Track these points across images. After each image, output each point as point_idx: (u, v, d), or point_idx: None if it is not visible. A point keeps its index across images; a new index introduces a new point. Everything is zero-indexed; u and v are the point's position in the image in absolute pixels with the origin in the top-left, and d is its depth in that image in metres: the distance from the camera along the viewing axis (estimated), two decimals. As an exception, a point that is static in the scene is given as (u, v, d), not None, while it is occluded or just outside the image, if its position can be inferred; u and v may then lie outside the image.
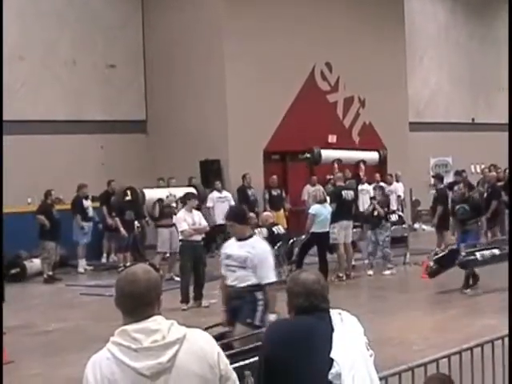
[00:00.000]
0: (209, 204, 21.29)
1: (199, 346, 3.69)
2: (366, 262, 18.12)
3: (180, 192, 17.32)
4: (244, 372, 5.60)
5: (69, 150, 21.66)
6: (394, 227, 18.33)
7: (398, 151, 25.74)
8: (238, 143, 22.23)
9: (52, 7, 21.96)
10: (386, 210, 18.49)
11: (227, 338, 7.66)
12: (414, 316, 13.22)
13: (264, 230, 16.52)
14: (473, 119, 31.25)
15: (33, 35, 21.50)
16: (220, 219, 21.41)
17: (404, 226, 19.65)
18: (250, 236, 8.47)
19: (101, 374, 3.59)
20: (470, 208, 15.67)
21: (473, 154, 29.13)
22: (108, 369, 3.58)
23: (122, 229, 18.88)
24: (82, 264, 19.76)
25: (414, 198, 26.97)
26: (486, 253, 14.90)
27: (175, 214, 16.07)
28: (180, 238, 14.68)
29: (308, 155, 21.91)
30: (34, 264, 18.86)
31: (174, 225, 16.20)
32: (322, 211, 16.45)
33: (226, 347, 6.55)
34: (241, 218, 8.55)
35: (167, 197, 18.27)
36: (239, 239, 8.39)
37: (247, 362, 5.89)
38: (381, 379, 4.66)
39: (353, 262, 17.85)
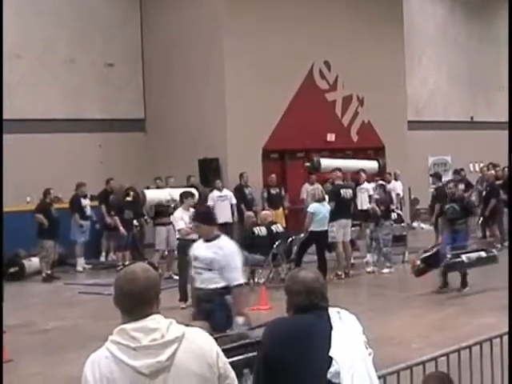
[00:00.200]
0: (209, 203, 21.29)
1: (198, 344, 3.69)
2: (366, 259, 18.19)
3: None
4: (243, 370, 5.59)
5: (67, 148, 21.66)
6: (393, 226, 18.34)
7: (396, 150, 25.77)
8: (236, 142, 22.23)
9: (50, 6, 21.96)
10: (382, 208, 18.49)
11: None
12: (412, 314, 13.22)
13: (263, 229, 16.55)
14: (471, 118, 31.26)
15: (31, 34, 21.50)
16: (221, 218, 21.48)
17: (403, 224, 19.66)
18: (218, 236, 8.31)
19: (99, 373, 3.58)
20: (460, 208, 15.51)
21: (471, 153, 29.16)
22: (107, 367, 3.58)
23: (121, 227, 18.88)
24: (81, 263, 19.77)
25: (412, 197, 26.99)
26: (472, 255, 14.81)
27: (171, 213, 16.06)
28: (177, 236, 14.67)
29: (308, 164, 21.89)
30: (33, 263, 18.87)
31: (171, 223, 16.20)
32: (321, 210, 16.46)
33: None
34: (207, 218, 8.45)
35: (168, 201, 18.20)
36: (207, 240, 8.27)
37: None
38: (379, 378, 4.66)
39: (351, 261, 17.86)
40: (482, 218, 21.22)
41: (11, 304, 13.62)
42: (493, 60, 31.47)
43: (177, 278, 15.37)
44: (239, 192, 21.72)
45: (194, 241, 14.37)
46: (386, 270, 17.42)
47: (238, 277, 8.08)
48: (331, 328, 4.24)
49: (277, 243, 16.40)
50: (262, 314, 13.03)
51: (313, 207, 16.55)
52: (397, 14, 26.89)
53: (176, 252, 15.72)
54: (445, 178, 23.73)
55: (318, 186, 19.62)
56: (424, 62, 29.95)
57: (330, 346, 4.16)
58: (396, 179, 24.00)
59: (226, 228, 21.78)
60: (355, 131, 25.60)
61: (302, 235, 16.79)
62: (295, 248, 16.93)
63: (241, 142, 22.15)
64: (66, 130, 21.85)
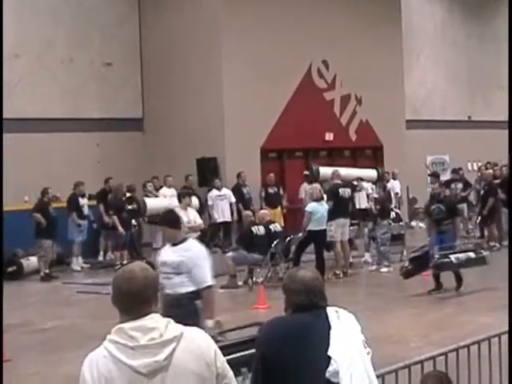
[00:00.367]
0: (208, 202, 21.32)
1: (196, 344, 3.69)
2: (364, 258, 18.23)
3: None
4: (241, 369, 5.58)
5: (65, 147, 21.64)
6: (391, 225, 18.34)
7: (394, 149, 25.78)
8: (234, 141, 22.23)
9: (48, 5, 21.94)
10: (378, 207, 18.52)
11: None
12: (411, 314, 13.23)
13: (261, 228, 16.55)
14: (469, 117, 31.27)
15: (30, 34, 21.48)
16: (220, 217, 21.51)
17: (401, 223, 19.66)
18: (184, 240, 8.19)
19: (98, 372, 3.58)
20: (446, 208, 15.23)
21: (470, 152, 29.16)
22: (105, 367, 3.58)
23: (119, 227, 18.88)
24: (78, 262, 19.76)
25: (410, 196, 26.99)
26: (461, 256, 14.63)
27: None
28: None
29: (307, 172, 21.86)
30: (31, 262, 18.85)
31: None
32: (319, 209, 16.45)
33: None
34: (172, 222, 8.29)
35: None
36: (173, 244, 8.13)
37: None
38: (378, 377, 4.66)
39: (350, 260, 17.86)
40: (480, 218, 21.22)
41: (9, 303, 13.60)
42: (491, 59, 31.47)
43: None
44: (237, 191, 21.74)
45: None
46: (384, 269, 17.42)
47: (207, 278, 7.90)
48: (329, 327, 4.23)
49: (275, 242, 16.40)
50: (260, 313, 13.06)
51: (311, 206, 16.55)
52: (395, 13, 26.88)
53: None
54: (443, 178, 23.77)
55: (316, 185, 19.60)
56: (422, 62, 29.95)
57: (328, 345, 4.16)
58: (394, 178, 24.00)
59: (225, 227, 21.89)
60: (353, 130, 25.60)
61: (301, 234, 16.79)
62: (293, 247, 16.93)
63: (239, 141, 22.15)
64: (64, 130, 21.83)
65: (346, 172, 19.07)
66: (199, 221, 14.83)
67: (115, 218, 19.11)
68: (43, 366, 10.55)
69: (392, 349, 9.89)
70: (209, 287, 7.91)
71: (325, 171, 18.97)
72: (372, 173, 21.94)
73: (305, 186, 21.69)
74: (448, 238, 15.04)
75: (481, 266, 15.09)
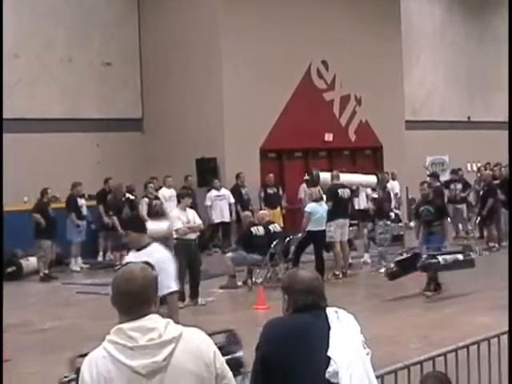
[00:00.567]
0: (207, 203, 21.32)
1: (195, 344, 3.69)
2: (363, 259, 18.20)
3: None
4: (240, 369, 5.59)
5: (65, 148, 21.62)
6: (389, 225, 18.34)
7: (394, 149, 25.79)
8: (234, 141, 22.23)
9: (48, 5, 21.92)
10: (374, 207, 18.51)
11: None
12: (410, 314, 13.23)
13: (260, 229, 16.56)
14: (468, 117, 31.27)
15: (29, 33, 21.46)
16: (218, 218, 21.51)
17: (400, 224, 19.66)
18: (149, 244, 8.05)
19: (97, 372, 3.59)
20: (434, 210, 15.09)
21: (469, 153, 29.17)
22: (104, 367, 3.58)
23: (119, 227, 18.86)
24: (77, 262, 19.74)
25: (410, 197, 26.97)
26: (449, 257, 14.44)
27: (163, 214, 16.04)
28: (175, 236, 14.68)
29: (307, 177, 21.82)
30: (30, 262, 18.84)
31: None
32: (318, 209, 16.46)
33: None
34: (136, 225, 8.20)
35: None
36: (138, 249, 7.99)
37: None
38: (377, 377, 4.66)
39: (349, 260, 17.85)
40: (479, 218, 21.23)
41: (9, 304, 13.60)
42: (490, 60, 31.47)
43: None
44: (236, 192, 21.73)
45: (191, 240, 14.54)
46: (382, 270, 17.40)
47: (171, 284, 7.69)
48: (329, 328, 4.23)
49: (274, 243, 16.40)
50: (259, 314, 13.07)
51: (310, 207, 16.56)
52: (394, 14, 26.88)
53: (173, 251, 15.70)
54: (442, 178, 23.79)
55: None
56: (421, 62, 29.95)
57: (328, 346, 4.16)
58: (394, 179, 24.01)
59: (224, 227, 21.89)
60: (353, 131, 25.60)
61: (300, 235, 16.79)
62: (293, 248, 16.93)
63: (238, 141, 22.14)
64: (63, 130, 21.81)
65: (346, 178, 18.99)
66: (198, 221, 14.82)
67: (115, 218, 19.10)
68: (43, 365, 10.55)
69: (391, 349, 9.89)
70: (172, 293, 7.73)
71: (325, 176, 18.93)
72: (372, 178, 21.81)
73: (304, 186, 21.69)
74: (436, 240, 14.93)
75: (469, 269, 14.77)
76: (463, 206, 22.67)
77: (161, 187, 20.87)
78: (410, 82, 28.35)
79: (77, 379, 4.34)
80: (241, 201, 21.63)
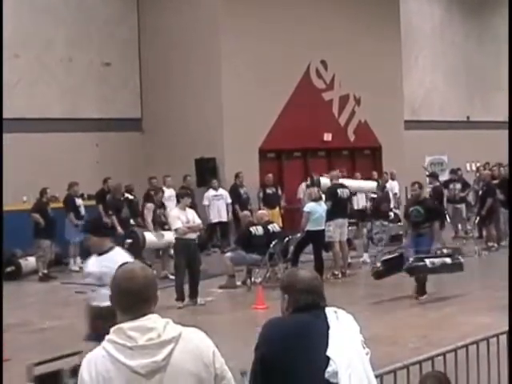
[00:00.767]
0: (204, 202, 21.31)
1: (194, 344, 3.69)
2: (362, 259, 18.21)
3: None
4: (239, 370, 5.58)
5: (64, 148, 21.61)
6: (387, 225, 18.35)
7: (393, 149, 25.79)
8: (233, 141, 22.22)
9: (47, 5, 21.92)
10: (372, 207, 18.52)
11: None
12: (409, 314, 13.23)
13: (260, 228, 16.56)
14: (468, 117, 31.28)
15: (28, 33, 21.45)
16: (215, 217, 21.51)
17: (399, 224, 19.66)
18: (111, 249, 7.75)
19: (96, 372, 3.59)
20: (425, 210, 14.59)
21: (468, 152, 29.19)
22: (103, 367, 3.58)
23: (118, 227, 18.85)
24: (77, 262, 19.71)
25: (409, 197, 26.96)
26: (437, 260, 14.12)
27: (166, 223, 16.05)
28: (175, 236, 14.69)
29: (308, 182, 21.81)
30: (29, 262, 18.84)
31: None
32: (317, 209, 16.46)
33: None
34: (97, 229, 7.95)
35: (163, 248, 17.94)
36: (99, 254, 7.74)
37: None
38: (376, 377, 4.66)
39: (348, 260, 17.86)
40: (478, 218, 21.24)
41: (8, 303, 13.59)
42: (490, 60, 31.48)
43: (172, 277, 15.40)
44: (234, 192, 21.72)
45: (191, 240, 14.54)
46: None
47: None
48: (328, 327, 4.24)
49: (273, 243, 16.41)
50: (258, 314, 13.08)
51: (309, 207, 16.55)
52: (394, 14, 26.87)
53: (172, 251, 15.73)
54: (442, 178, 23.78)
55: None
56: (421, 62, 29.95)
57: (327, 346, 4.16)
58: (393, 179, 24.01)
59: (221, 227, 21.90)
60: (352, 131, 25.59)
61: (299, 235, 16.79)
62: (292, 247, 16.93)
63: (238, 141, 22.14)
64: (62, 130, 21.80)
65: (347, 183, 18.98)
66: (198, 221, 14.82)
67: (114, 218, 19.10)
68: (42, 364, 10.53)
69: (391, 349, 9.90)
70: None
71: (325, 181, 18.94)
72: (372, 184, 21.78)
73: (303, 186, 21.69)
74: (425, 242, 14.44)
75: (458, 272, 14.53)
76: (462, 206, 22.67)
77: (160, 188, 20.84)
78: (409, 81, 28.35)
79: None
80: (239, 201, 21.62)
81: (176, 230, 14.40)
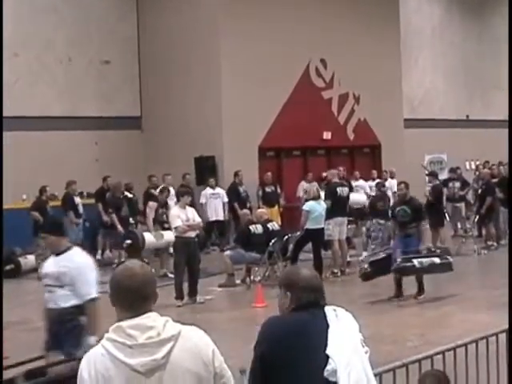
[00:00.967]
0: (202, 200, 21.30)
1: (194, 343, 3.69)
2: (361, 257, 18.20)
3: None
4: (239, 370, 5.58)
5: (63, 146, 21.63)
6: (384, 224, 18.33)
7: (392, 148, 25.79)
8: (232, 140, 22.23)
9: (47, 4, 21.93)
10: (366, 206, 18.52)
11: (49, 373, 6.92)
12: (408, 313, 13.24)
13: (259, 227, 16.56)
14: (467, 116, 31.28)
15: (28, 32, 21.46)
16: (212, 216, 21.49)
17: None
18: (69, 249, 7.55)
19: (95, 370, 3.59)
20: (411, 210, 14.42)
21: (467, 151, 29.19)
22: (102, 365, 3.59)
23: (118, 225, 18.84)
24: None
25: (408, 195, 26.97)
26: (425, 260, 13.95)
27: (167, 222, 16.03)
28: (174, 234, 14.68)
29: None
30: (29, 260, 18.84)
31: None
32: (316, 208, 16.44)
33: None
34: (55, 228, 7.71)
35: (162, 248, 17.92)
36: (57, 254, 7.55)
37: None
38: (375, 375, 4.67)
39: (347, 259, 17.85)
40: (477, 217, 21.24)
41: (8, 302, 13.56)
42: (489, 59, 31.46)
43: (171, 275, 15.40)
44: (233, 190, 21.70)
45: (191, 239, 14.53)
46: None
47: (91, 291, 7.31)
48: (327, 326, 4.24)
49: (273, 241, 16.42)
50: (258, 312, 13.08)
51: (308, 205, 16.54)
52: (393, 13, 26.86)
53: (172, 249, 15.73)
54: (441, 177, 23.77)
55: (313, 183, 19.60)
56: (420, 61, 29.95)
57: (326, 344, 4.16)
58: (392, 177, 24.01)
59: (218, 226, 21.88)
60: (351, 129, 25.60)
61: (298, 233, 16.79)
62: (291, 246, 16.93)
63: (237, 139, 22.15)
64: (62, 128, 21.82)
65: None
66: (198, 219, 14.82)
67: (114, 216, 19.09)
68: (42, 363, 10.53)
69: (389, 348, 9.91)
70: (93, 300, 7.30)
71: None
72: (362, 197, 21.61)
73: (303, 184, 21.70)
74: (413, 243, 14.26)
75: (449, 272, 14.39)
76: (462, 205, 22.65)
77: (166, 187, 20.79)
78: (408, 80, 28.36)
79: None
80: (239, 199, 21.60)
81: (176, 228, 14.39)
